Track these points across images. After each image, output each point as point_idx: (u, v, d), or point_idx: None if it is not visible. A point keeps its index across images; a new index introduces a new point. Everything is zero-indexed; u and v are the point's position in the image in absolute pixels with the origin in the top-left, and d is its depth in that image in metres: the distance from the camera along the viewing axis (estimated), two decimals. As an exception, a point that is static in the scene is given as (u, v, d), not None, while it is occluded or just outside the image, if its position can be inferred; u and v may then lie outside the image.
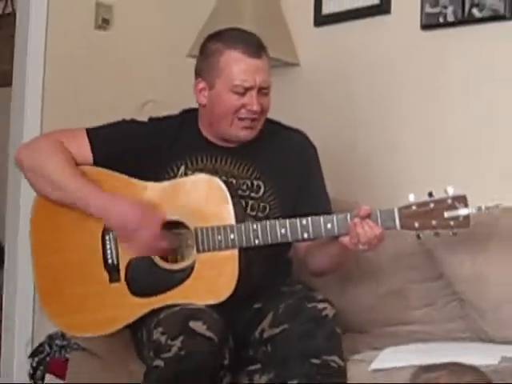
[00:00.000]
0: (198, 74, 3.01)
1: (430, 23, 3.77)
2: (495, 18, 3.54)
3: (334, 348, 2.73)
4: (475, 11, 3.59)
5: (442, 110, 3.77)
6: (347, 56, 4.12)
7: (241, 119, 2.92)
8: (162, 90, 4.71)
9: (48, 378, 4.34)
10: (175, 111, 3.17)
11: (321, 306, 2.77)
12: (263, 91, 2.93)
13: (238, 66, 2.89)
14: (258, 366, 2.81)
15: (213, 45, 2.97)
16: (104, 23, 4.89)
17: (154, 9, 5.00)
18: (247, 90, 2.89)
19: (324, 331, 2.72)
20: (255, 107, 2.89)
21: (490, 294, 3.05)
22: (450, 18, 3.68)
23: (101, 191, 2.86)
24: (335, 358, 2.70)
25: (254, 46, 2.94)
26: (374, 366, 2.73)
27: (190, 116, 3.10)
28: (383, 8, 3.96)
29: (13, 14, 5.64)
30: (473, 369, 2.26)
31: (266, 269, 2.92)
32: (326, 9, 4.20)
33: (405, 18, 3.88)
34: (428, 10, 3.75)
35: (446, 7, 3.68)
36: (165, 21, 4.96)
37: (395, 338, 3.10)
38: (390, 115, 3.95)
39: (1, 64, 6.31)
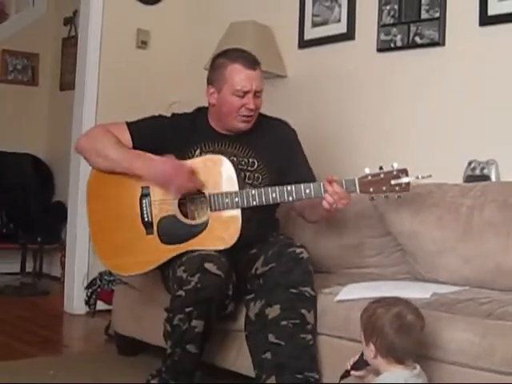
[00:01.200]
0: (209, 82, 3.00)
1: (383, 47, 3.75)
2: (432, 44, 3.53)
3: (308, 281, 2.73)
4: (417, 39, 3.58)
5: (390, 110, 3.75)
6: (323, 70, 4.09)
7: (241, 116, 2.92)
8: (184, 93, 4.68)
9: (99, 303, 4.36)
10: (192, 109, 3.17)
11: (298, 250, 2.77)
12: (257, 94, 2.92)
13: (238, 75, 2.88)
14: (252, 295, 2.80)
15: (220, 60, 2.97)
16: (143, 44, 4.90)
17: (180, 34, 5.00)
18: (245, 93, 2.89)
19: (300, 269, 2.72)
20: (251, 106, 2.90)
21: (423, 245, 3.04)
22: (399, 44, 3.67)
23: (141, 156, 2.88)
24: (309, 289, 2.71)
25: (250, 60, 2.94)
26: (338, 297, 2.71)
27: (201, 113, 3.10)
28: (349, 35, 3.94)
29: (75, 37, 5.61)
30: (404, 302, 2.27)
31: (259, 225, 2.90)
32: (308, 36, 4.16)
33: (365, 43, 3.85)
34: (382, 37, 3.74)
35: (395, 35, 3.67)
36: (188, 42, 4.97)
37: (354, 277, 3.09)
38: (353, 112, 3.93)
39: (67, 74, 6.31)
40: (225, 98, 2.91)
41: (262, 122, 3.03)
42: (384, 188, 2.67)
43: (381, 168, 2.68)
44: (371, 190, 2.69)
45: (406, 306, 2.23)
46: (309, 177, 2.95)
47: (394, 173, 2.66)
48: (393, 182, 2.66)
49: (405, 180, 2.65)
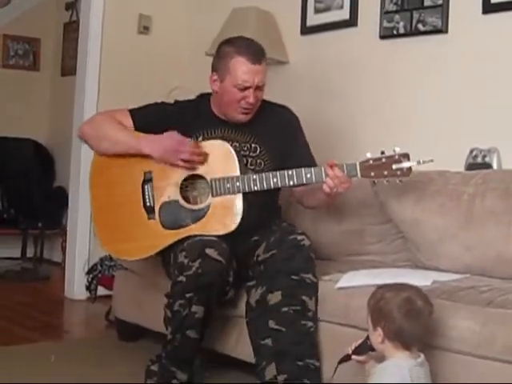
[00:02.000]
0: (213, 69, 2.97)
1: (386, 34, 3.73)
2: (434, 31, 3.52)
3: (310, 268, 2.72)
4: (420, 26, 3.56)
5: (392, 97, 3.74)
6: (325, 57, 4.07)
7: (240, 108, 2.90)
8: (186, 79, 4.66)
9: (99, 289, 4.36)
10: (195, 95, 3.15)
11: (300, 237, 2.77)
12: (259, 87, 2.90)
13: (241, 69, 2.85)
14: (254, 282, 2.79)
15: (226, 49, 2.93)
16: (145, 29, 4.89)
17: (182, 19, 4.99)
18: (247, 87, 2.86)
19: (302, 255, 2.72)
20: (251, 100, 2.87)
21: (424, 233, 3.03)
22: (401, 31, 3.65)
23: (146, 136, 2.89)
24: (310, 275, 2.71)
25: (256, 54, 2.89)
26: (339, 284, 2.71)
27: (204, 99, 3.08)
28: (352, 22, 3.92)
29: (77, 22, 5.60)
30: (413, 287, 2.27)
31: (261, 211, 2.90)
32: (310, 22, 4.14)
33: (368, 29, 3.84)
34: (385, 24, 3.72)
35: (398, 23, 3.65)
36: (189, 28, 4.95)
37: (355, 264, 3.09)
38: (355, 99, 3.91)
39: (68, 59, 6.30)
40: (226, 88, 2.90)
41: (265, 108, 3.02)
42: (385, 172, 2.66)
43: (382, 153, 2.67)
44: (372, 174, 2.68)
45: (415, 292, 2.23)
46: (309, 162, 2.94)
47: (396, 157, 2.65)
48: (394, 166, 2.65)
49: (406, 164, 2.65)
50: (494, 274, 2.80)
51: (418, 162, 2.64)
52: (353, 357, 2.33)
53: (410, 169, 2.65)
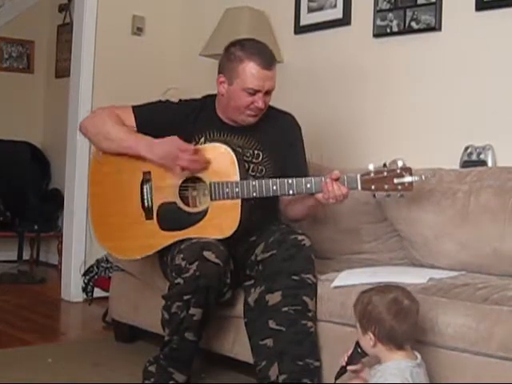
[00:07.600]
0: (221, 71, 2.91)
1: (379, 33, 3.74)
2: (428, 29, 3.53)
3: (310, 269, 2.71)
4: (413, 24, 3.57)
5: (386, 95, 3.74)
6: (318, 56, 4.08)
7: (248, 112, 2.88)
8: (180, 80, 4.68)
9: (96, 290, 4.35)
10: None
11: (300, 237, 2.75)
12: (268, 92, 2.88)
13: (252, 74, 2.81)
14: (252, 281, 2.79)
15: (236, 52, 2.86)
16: (138, 30, 4.89)
17: (175, 20, 4.99)
18: (256, 92, 2.83)
19: (303, 256, 2.71)
20: (261, 105, 2.85)
21: (419, 231, 3.04)
22: (395, 29, 3.66)
23: (145, 137, 2.84)
24: (310, 276, 2.70)
25: (267, 59, 2.86)
26: (335, 283, 2.71)
27: (209, 100, 3.04)
28: (345, 21, 3.93)
29: (70, 23, 5.59)
30: (396, 287, 2.27)
31: (260, 215, 2.89)
32: (304, 21, 4.15)
33: (361, 28, 3.84)
34: (378, 22, 3.73)
35: (391, 21, 3.66)
36: (183, 29, 4.95)
37: (351, 263, 3.09)
38: (349, 97, 3.92)
39: (62, 61, 6.30)
40: (235, 92, 2.86)
41: (269, 114, 2.99)
42: (386, 186, 2.61)
43: (384, 165, 2.63)
44: (373, 187, 2.63)
45: (400, 291, 2.23)
46: (302, 173, 2.91)
47: (398, 171, 2.60)
48: (396, 180, 2.60)
49: (408, 179, 2.59)
50: (490, 271, 2.80)
51: (420, 178, 2.60)
52: (348, 368, 2.32)
53: (411, 183, 2.59)
